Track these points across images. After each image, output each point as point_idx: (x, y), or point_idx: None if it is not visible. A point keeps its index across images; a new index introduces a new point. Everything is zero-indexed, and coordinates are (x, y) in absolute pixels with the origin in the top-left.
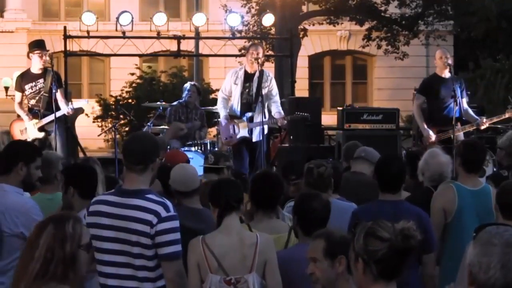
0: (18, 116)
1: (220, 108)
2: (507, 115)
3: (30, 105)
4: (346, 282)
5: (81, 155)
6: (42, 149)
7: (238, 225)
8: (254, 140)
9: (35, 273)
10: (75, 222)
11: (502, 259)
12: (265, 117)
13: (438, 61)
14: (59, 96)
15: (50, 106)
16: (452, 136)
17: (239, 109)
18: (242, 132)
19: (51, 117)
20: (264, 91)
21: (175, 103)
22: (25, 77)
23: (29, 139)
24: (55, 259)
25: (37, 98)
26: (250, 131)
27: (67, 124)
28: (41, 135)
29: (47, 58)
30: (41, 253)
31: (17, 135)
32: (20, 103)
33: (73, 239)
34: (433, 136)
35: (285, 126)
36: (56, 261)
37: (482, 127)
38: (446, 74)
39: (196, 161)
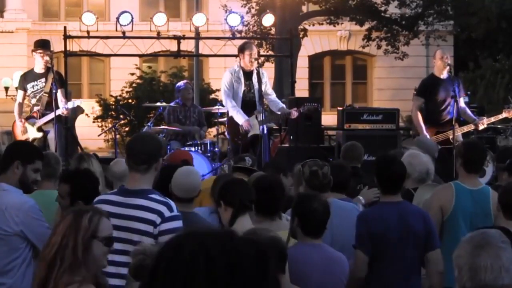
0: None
1: (232, 108)
2: (504, 115)
3: (31, 104)
4: None
5: None
6: (42, 149)
7: (251, 226)
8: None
9: (48, 260)
10: (94, 215)
11: (468, 261)
12: (265, 115)
13: (438, 61)
14: (59, 96)
15: (50, 106)
16: (450, 137)
17: (241, 108)
18: (255, 129)
19: (47, 117)
20: (262, 88)
21: (172, 103)
22: (28, 76)
23: (30, 139)
24: (69, 247)
25: (37, 97)
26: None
27: (66, 124)
28: (39, 135)
29: (47, 58)
30: (57, 239)
31: (19, 135)
32: (21, 103)
33: (87, 230)
34: None
35: (296, 118)
36: (68, 249)
37: (480, 128)
38: (445, 74)
39: (197, 161)
